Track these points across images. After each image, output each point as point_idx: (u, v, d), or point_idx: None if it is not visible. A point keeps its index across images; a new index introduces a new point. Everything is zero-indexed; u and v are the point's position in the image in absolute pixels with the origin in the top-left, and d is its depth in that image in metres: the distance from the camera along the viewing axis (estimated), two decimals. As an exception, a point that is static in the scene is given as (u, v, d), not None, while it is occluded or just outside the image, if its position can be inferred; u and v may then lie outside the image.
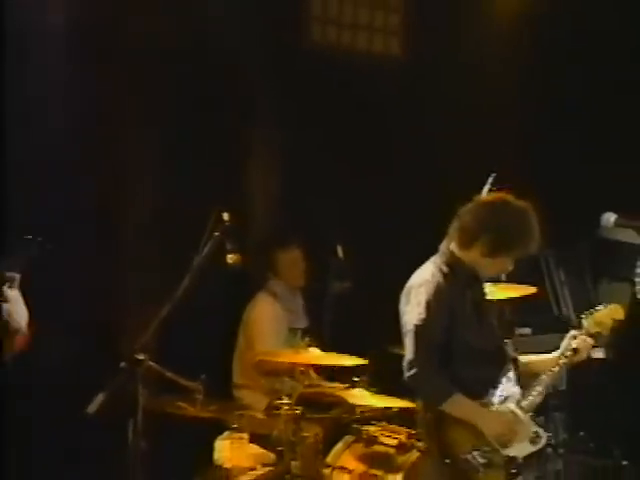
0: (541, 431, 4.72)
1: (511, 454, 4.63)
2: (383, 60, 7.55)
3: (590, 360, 6.78)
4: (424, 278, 4.73)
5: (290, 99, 6.94)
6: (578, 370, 6.62)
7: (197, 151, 6.48)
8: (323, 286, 6.33)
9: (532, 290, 6.36)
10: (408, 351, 4.65)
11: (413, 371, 4.59)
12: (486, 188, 5.79)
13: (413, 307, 4.67)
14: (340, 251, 6.27)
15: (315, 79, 6.98)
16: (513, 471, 4.65)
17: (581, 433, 6.71)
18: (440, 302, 4.63)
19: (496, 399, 4.69)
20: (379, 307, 6.19)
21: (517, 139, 7.41)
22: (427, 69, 7.42)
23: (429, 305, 4.61)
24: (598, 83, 7.38)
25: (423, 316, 4.60)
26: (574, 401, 6.71)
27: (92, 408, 4.47)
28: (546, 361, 4.93)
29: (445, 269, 4.73)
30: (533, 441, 4.69)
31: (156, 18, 6.22)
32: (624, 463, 6.62)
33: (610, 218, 4.84)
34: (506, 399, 4.71)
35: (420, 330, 4.60)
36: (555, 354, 4.89)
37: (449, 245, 4.79)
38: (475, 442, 4.58)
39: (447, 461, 4.62)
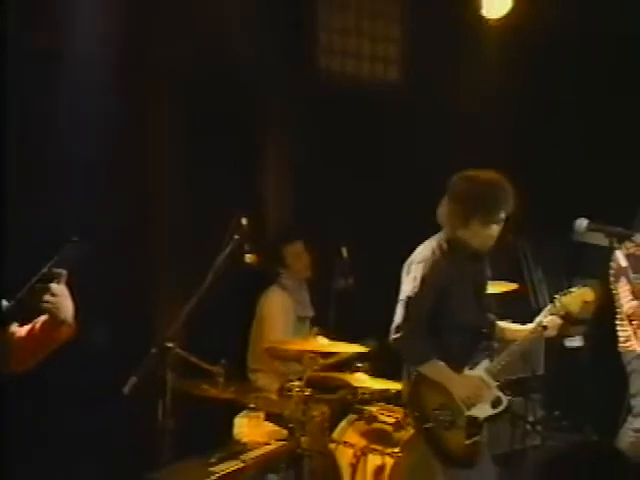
0: (502, 396, 4.73)
1: (474, 415, 4.65)
2: (383, 85, 7.56)
3: (569, 348, 6.87)
4: (425, 255, 4.75)
5: (301, 119, 6.97)
6: (554, 357, 6.70)
7: (222, 164, 6.47)
8: (330, 283, 6.33)
9: (514, 286, 6.39)
10: (397, 317, 4.69)
11: (398, 334, 4.65)
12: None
13: (410, 280, 4.70)
14: (344, 252, 6.27)
15: (323, 102, 6.98)
16: (474, 431, 4.65)
17: (556, 412, 6.71)
18: (435, 279, 4.65)
19: (469, 365, 4.71)
20: (378, 301, 6.23)
21: (503, 153, 7.41)
22: (421, 93, 7.42)
23: (424, 281, 4.63)
24: (581, 105, 7.38)
25: (417, 290, 4.63)
26: (551, 384, 6.72)
27: (127, 389, 4.54)
28: (519, 331, 4.95)
29: (445, 247, 4.74)
30: (494, 405, 4.72)
31: (188, 47, 6.24)
32: (594, 439, 6.64)
33: (582, 223, 4.87)
34: (476, 365, 4.72)
35: (412, 302, 4.64)
36: (528, 327, 4.91)
37: (449, 224, 4.78)
38: (444, 401, 4.64)
39: (417, 414, 4.71)
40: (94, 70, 5.69)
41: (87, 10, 5.65)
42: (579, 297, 4.97)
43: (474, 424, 4.66)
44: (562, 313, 4.89)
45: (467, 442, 4.62)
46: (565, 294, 4.96)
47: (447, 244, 4.76)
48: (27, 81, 5.34)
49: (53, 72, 5.60)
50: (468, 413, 4.65)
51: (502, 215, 4.72)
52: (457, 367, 4.68)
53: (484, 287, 4.95)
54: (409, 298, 4.66)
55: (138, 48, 6.03)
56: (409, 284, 4.70)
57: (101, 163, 5.74)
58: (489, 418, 4.72)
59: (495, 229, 4.75)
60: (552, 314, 4.89)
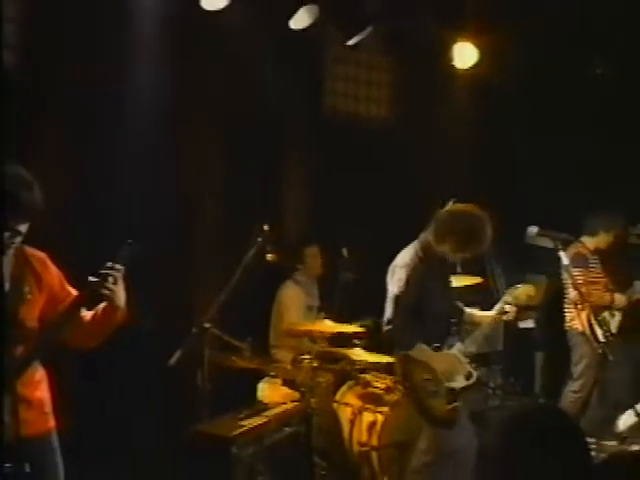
0: (473, 370, 4.74)
1: (452, 386, 4.65)
2: (375, 120, 7.56)
3: (522, 329, 6.86)
4: (405, 261, 4.73)
5: (313, 146, 7.00)
6: (511, 336, 6.70)
7: (250, 181, 6.50)
8: (334, 277, 6.33)
9: (479, 280, 6.41)
10: (388, 312, 4.70)
11: (390, 327, 4.67)
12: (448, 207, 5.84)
13: (396, 281, 4.69)
14: (345, 252, 6.28)
15: (330, 132, 7.02)
16: (452, 398, 4.66)
17: (512, 379, 6.72)
18: (414, 280, 4.64)
19: (446, 346, 4.72)
20: (373, 292, 6.25)
21: (472, 174, 7.42)
22: (405, 126, 7.45)
23: (407, 282, 4.63)
24: (534, 138, 7.41)
25: (402, 289, 4.63)
26: (508, 357, 6.73)
27: (173, 361, 4.57)
28: (483, 316, 5.00)
29: (421, 254, 4.73)
30: (467, 377, 4.71)
31: (230, 90, 6.29)
32: (540, 400, 6.64)
33: (533, 230, 4.90)
34: (451, 346, 4.73)
35: (398, 299, 4.64)
36: (490, 313, 4.96)
37: (427, 237, 4.74)
38: (428, 375, 4.62)
39: (407, 385, 4.73)
40: (156, 102, 5.67)
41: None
42: (524, 291, 5.03)
43: (452, 393, 4.65)
44: (513, 303, 4.92)
45: (448, 407, 4.63)
46: (515, 289, 5.01)
47: (422, 251, 4.74)
48: (106, 106, 5.45)
49: (127, 101, 5.60)
50: (447, 384, 4.64)
51: (471, 249, 4.68)
52: (435, 346, 4.67)
53: (448, 280, 4.96)
54: (396, 296, 4.65)
55: (191, 90, 6.06)
56: (395, 285, 4.69)
57: (157, 179, 5.76)
58: (464, 388, 4.72)
59: (465, 254, 4.73)
60: (507, 304, 4.92)
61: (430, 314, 4.70)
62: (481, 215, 4.64)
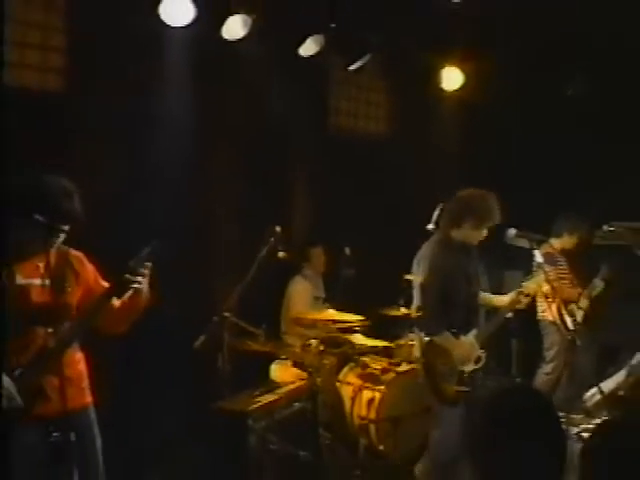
0: (482, 355, 4.69)
1: (463, 368, 4.61)
2: (374, 135, 7.56)
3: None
4: (428, 252, 4.67)
5: (319, 158, 6.97)
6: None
7: (264, 189, 6.48)
8: (337, 272, 6.32)
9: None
10: (417, 300, 4.63)
11: (420, 314, 4.59)
12: (436, 213, 5.81)
13: (420, 273, 4.62)
14: (347, 251, 6.26)
15: (334, 146, 7.02)
16: (462, 380, 4.61)
17: (492, 362, 6.68)
18: (437, 270, 4.57)
19: (463, 332, 4.63)
20: (371, 286, 6.26)
21: (458, 182, 7.39)
22: (401, 141, 7.46)
23: (430, 272, 4.55)
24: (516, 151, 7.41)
25: (427, 279, 4.55)
26: (489, 342, 6.69)
27: (197, 344, 4.56)
28: (501, 299, 4.88)
29: (441, 245, 4.66)
30: (477, 362, 4.68)
31: (246, 112, 6.30)
32: (517, 379, 6.61)
33: (512, 231, 4.84)
34: (467, 332, 4.65)
35: (424, 288, 4.57)
36: (507, 298, 4.85)
37: (445, 229, 4.69)
38: (446, 360, 4.56)
39: (426, 366, 4.61)
40: (182, 121, 5.74)
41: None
42: (535, 282, 4.98)
43: (462, 376, 4.60)
44: (526, 292, 4.85)
45: (456, 389, 4.59)
46: (528, 280, 4.96)
47: (442, 243, 4.67)
48: (138, 125, 5.49)
49: (156, 121, 5.64)
50: (460, 368, 4.60)
51: (489, 222, 4.63)
52: (455, 334, 4.61)
53: (473, 274, 4.80)
54: (422, 285, 4.58)
55: (212, 110, 6.07)
56: (421, 275, 4.61)
57: (183, 188, 5.79)
58: (472, 371, 4.67)
59: (482, 232, 4.66)
60: (521, 293, 4.82)
61: (452, 304, 4.60)
62: (489, 193, 4.62)
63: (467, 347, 4.62)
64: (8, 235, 3.11)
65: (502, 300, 4.90)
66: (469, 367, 4.64)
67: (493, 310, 4.91)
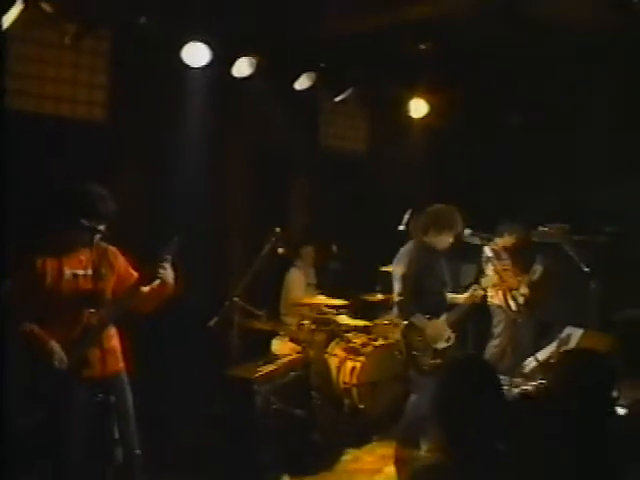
0: (452, 335, 4.67)
1: (436, 346, 4.58)
2: (356, 153, 7.54)
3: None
4: (405, 253, 4.66)
5: (312, 171, 6.95)
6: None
7: (267, 196, 6.47)
8: (326, 266, 6.32)
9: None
10: (397, 287, 4.60)
11: (399, 299, 4.57)
12: (405, 217, 5.83)
13: (400, 265, 4.61)
14: (335, 248, 6.26)
15: (324, 162, 7.00)
16: (435, 355, 4.53)
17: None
18: (411, 265, 4.56)
19: (435, 316, 4.62)
20: (354, 276, 6.25)
21: (425, 194, 7.38)
22: (378, 159, 7.44)
23: (408, 267, 4.54)
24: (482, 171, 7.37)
25: (406, 270, 4.54)
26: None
27: (211, 323, 4.56)
28: (459, 297, 4.84)
29: (416, 247, 4.66)
30: (447, 340, 4.64)
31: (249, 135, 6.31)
32: (472, 352, 6.56)
33: (467, 231, 4.83)
34: (439, 317, 4.63)
35: (403, 278, 4.54)
36: (465, 295, 4.82)
37: (418, 234, 4.69)
38: (421, 337, 4.54)
39: (406, 342, 4.56)
40: (202, 143, 5.76)
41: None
42: (489, 279, 5.13)
43: (436, 352, 4.57)
44: (481, 288, 4.83)
45: (431, 362, 4.55)
46: (482, 278, 5.02)
47: (417, 245, 4.67)
48: (167, 146, 5.55)
49: (180, 142, 5.69)
50: (433, 345, 4.58)
51: (450, 231, 4.60)
52: (429, 319, 4.60)
53: (440, 271, 4.77)
54: (403, 276, 4.56)
55: (226, 134, 6.11)
56: (401, 267, 4.60)
57: (203, 198, 5.78)
58: (444, 349, 4.63)
59: (446, 238, 4.62)
60: (477, 288, 4.80)
61: (425, 291, 4.58)
62: (450, 207, 4.62)
63: (438, 327, 4.61)
64: (56, 236, 3.22)
65: (462, 298, 4.87)
66: (441, 345, 4.62)
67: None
